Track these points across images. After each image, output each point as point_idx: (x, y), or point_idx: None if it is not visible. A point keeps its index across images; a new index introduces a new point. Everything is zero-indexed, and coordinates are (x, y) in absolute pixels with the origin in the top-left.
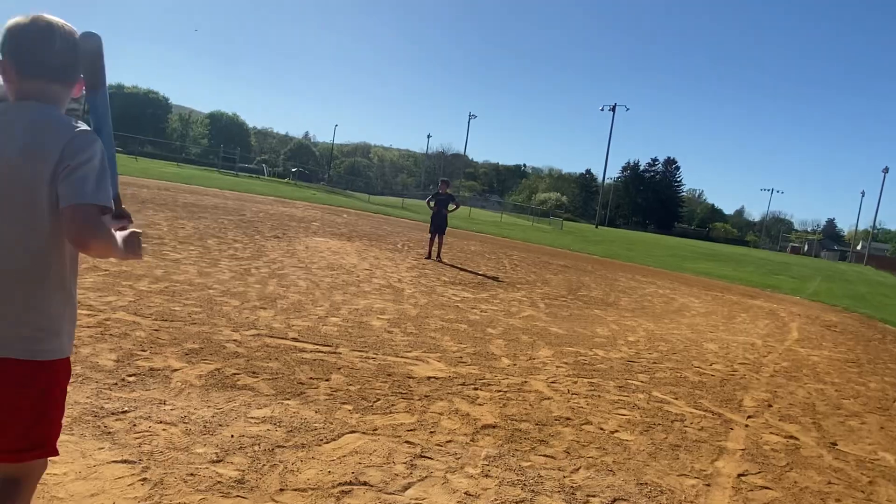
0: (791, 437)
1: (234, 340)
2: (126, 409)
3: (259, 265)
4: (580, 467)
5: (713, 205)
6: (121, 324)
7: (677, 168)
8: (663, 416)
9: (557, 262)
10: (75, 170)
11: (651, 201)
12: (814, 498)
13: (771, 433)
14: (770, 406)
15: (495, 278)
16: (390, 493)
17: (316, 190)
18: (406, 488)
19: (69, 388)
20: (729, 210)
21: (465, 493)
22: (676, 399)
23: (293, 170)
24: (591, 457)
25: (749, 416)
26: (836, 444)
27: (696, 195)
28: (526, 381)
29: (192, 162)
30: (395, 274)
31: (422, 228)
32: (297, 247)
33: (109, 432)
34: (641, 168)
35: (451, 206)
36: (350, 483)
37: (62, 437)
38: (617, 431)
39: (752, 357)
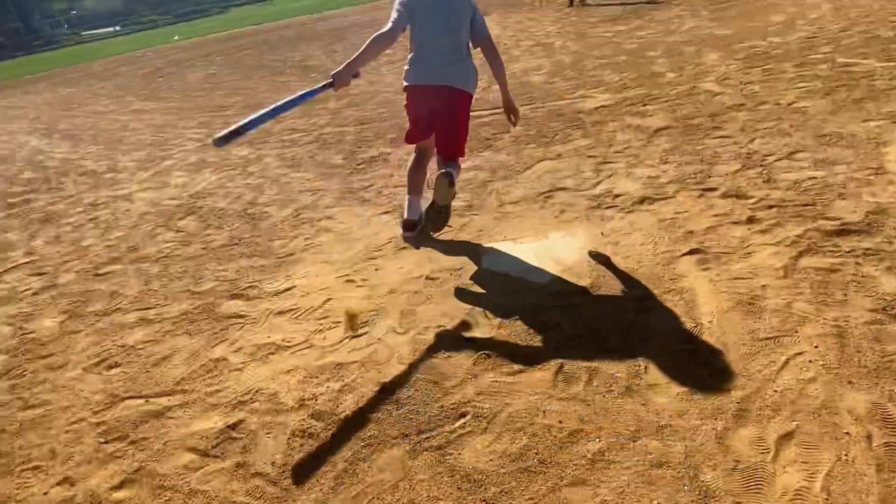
0: None
1: None
2: (369, 184)
3: None
4: (755, 138)
5: None
6: (332, 135)
7: None
8: (848, 77)
9: None
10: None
11: None
12: None
13: None
14: None
15: (650, 1)
16: (584, 190)
17: None
18: (596, 185)
19: (330, 183)
20: None
21: (648, 177)
22: (865, 59)
23: None
24: (767, 128)
25: None
26: None
27: None
28: (694, 87)
29: None
30: (540, 31)
31: None
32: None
33: (366, 199)
34: None
35: None
36: (550, 191)
37: (339, 207)
38: (794, 103)
39: None
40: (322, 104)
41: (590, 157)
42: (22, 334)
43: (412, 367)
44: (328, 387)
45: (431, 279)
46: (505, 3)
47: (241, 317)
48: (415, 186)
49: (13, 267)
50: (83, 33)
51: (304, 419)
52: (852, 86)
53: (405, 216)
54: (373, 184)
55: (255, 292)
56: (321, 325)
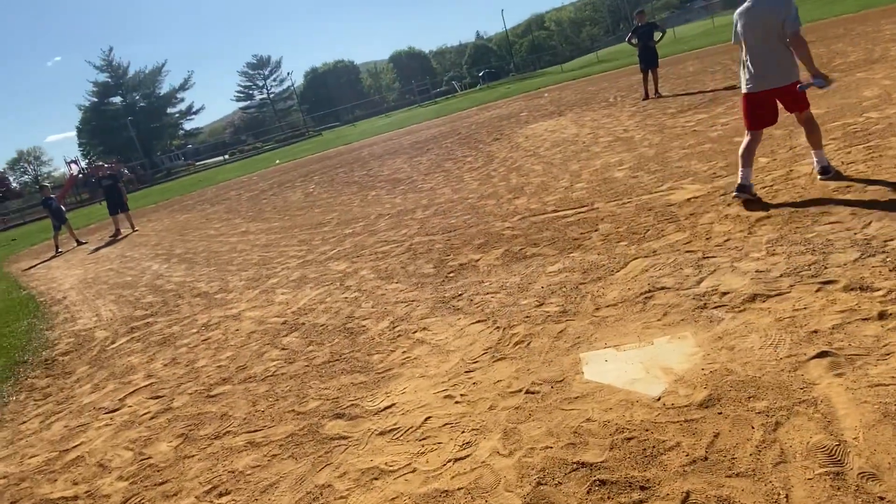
0: None
1: (508, 227)
2: (460, 293)
3: (495, 167)
4: (870, 222)
5: None
6: (421, 244)
7: None
8: None
9: None
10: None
11: None
12: None
13: None
14: None
15: (728, 87)
16: (687, 289)
17: (508, 83)
18: (700, 282)
19: (423, 293)
20: None
21: (756, 271)
22: None
23: (479, 74)
24: (881, 210)
25: None
26: None
27: None
28: (791, 170)
29: (394, 108)
30: (618, 126)
31: (628, 74)
32: (517, 140)
33: (458, 308)
34: None
35: (656, 36)
36: (650, 291)
37: (433, 317)
38: None
39: None
40: (410, 214)
41: (688, 252)
42: (141, 459)
43: (522, 496)
44: None
45: (531, 393)
46: (579, 101)
47: (345, 438)
48: (747, 162)
49: (135, 391)
50: (197, 163)
51: None
52: None
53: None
54: (464, 292)
55: (357, 411)
56: (423, 446)
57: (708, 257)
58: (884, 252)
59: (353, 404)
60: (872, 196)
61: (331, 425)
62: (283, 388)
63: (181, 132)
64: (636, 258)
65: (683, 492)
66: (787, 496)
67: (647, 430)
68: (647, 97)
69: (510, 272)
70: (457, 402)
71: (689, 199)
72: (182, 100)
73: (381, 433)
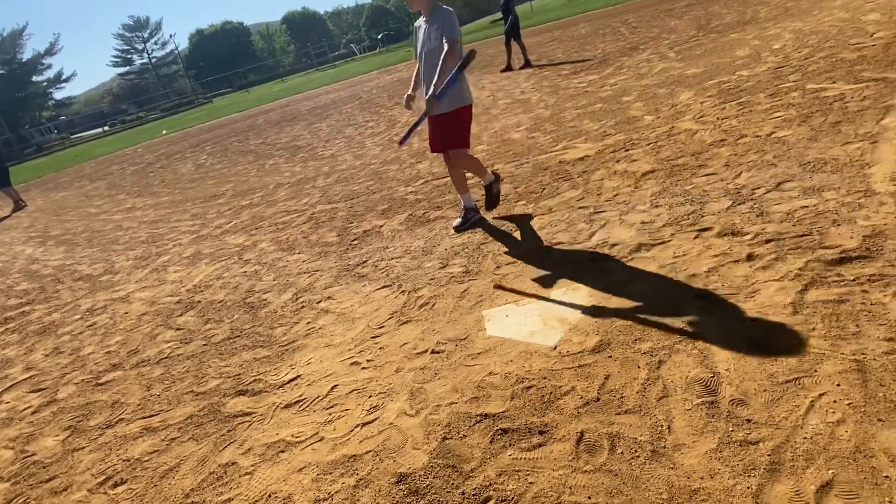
0: None
1: (411, 192)
2: (365, 259)
3: (397, 132)
4: (741, 172)
5: None
6: (323, 213)
7: None
8: (820, 102)
9: (679, 5)
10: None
11: None
12: None
13: None
14: None
15: (616, 50)
16: (580, 243)
17: (409, 46)
18: (591, 236)
19: (326, 262)
20: None
21: (641, 222)
22: (833, 83)
23: (378, 37)
24: (751, 161)
25: None
26: None
27: None
28: (673, 127)
29: (291, 72)
30: (516, 89)
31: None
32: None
33: (363, 275)
34: None
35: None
36: (547, 248)
37: (337, 286)
38: (773, 132)
39: None
40: (311, 182)
41: (581, 208)
42: (24, 458)
43: (428, 453)
44: (343, 483)
45: (437, 353)
46: (479, 64)
47: (248, 414)
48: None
49: (12, 385)
50: (73, 136)
51: None
52: (826, 110)
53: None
54: (368, 259)
55: (261, 386)
56: (330, 415)
57: (599, 212)
58: (752, 199)
59: (256, 380)
60: (743, 148)
61: (233, 403)
62: (180, 370)
63: (51, 102)
64: (533, 217)
65: (578, 432)
66: (669, 427)
67: (544, 378)
68: (508, 69)
69: (414, 236)
70: (363, 368)
71: (581, 158)
72: (49, 66)
73: (287, 406)
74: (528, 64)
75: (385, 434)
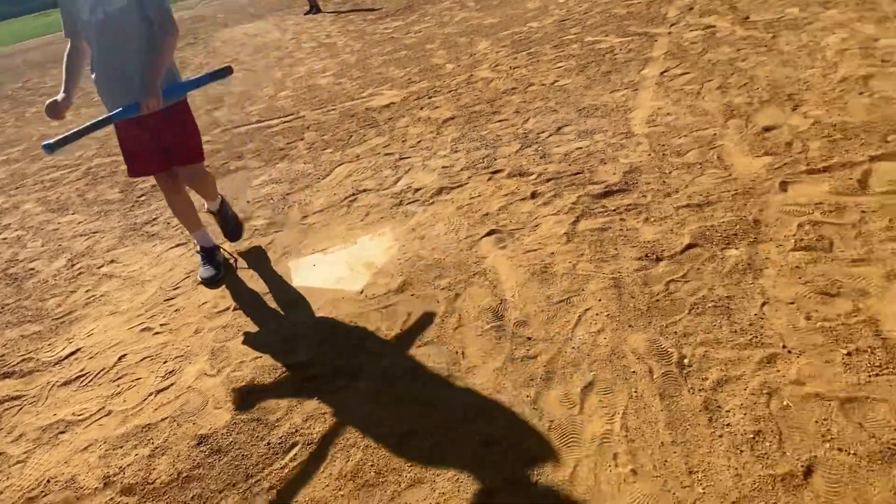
0: (709, 27)
1: (208, 140)
2: (154, 217)
3: (189, 75)
4: (529, 118)
5: None
6: (103, 167)
7: None
8: (595, 54)
9: None
10: None
11: None
12: (724, 67)
13: (691, 30)
14: (692, 8)
15: (370, 9)
16: (386, 189)
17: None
18: (397, 182)
19: (108, 222)
20: None
21: (442, 167)
22: (606, 36)
23: None
24: (537, 108)
25: (672, 25)
26: (749, 18)
27: None
28: (472, 75)
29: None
30: (321, 32)
31: None
32: (214, 45)
33: (153, 234)
34: None
35: None
36: (354, 194)
37: (123, 248)
38: (556, 81)
39: None
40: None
41: (387, 154)
42: None
43: (231, 410)
44: (136, 455)
45: (240, 309)
46: (282, 3)
47: (17, 398)
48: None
49: None
50: None
51: (112, 499)
52: (600, 61)
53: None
54: (159, 216)
55: (32, 365)
56: (118, 387)
57: (404, 158)
58: (537, 143)
59: (25, 359)
60: (532, 96)
61: None
62: None
63: None
64: (341, 164)
65: (383, 367)
66: (463, 353)
67: (351, 322)
68: (311, 11)
69: None
70: (157, 333)
71: (387, 105)
72: None
73: (66, 383)
74: (315, 9)
75: (183, 398)
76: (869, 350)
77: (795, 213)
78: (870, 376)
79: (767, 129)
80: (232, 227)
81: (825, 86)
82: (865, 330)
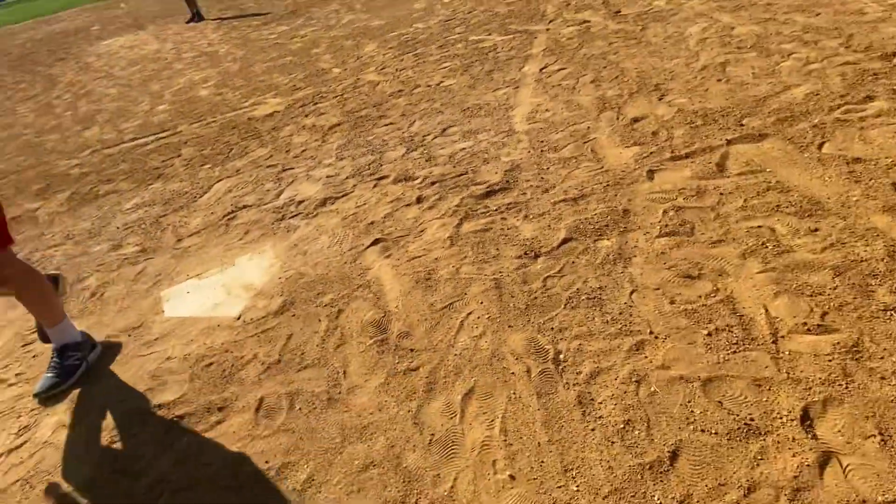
0: (584, 21)
1: (76, 164)
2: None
3: (58, 93)
4: (415, 121)
5: None
6: None
7: None
8: (479, 53)
9: None
10: None
11: None
12: (598, 60)
13: (567, 26)
14: (568, 4)
15: (306, 0)
16: (268, 203)
17: None
18: (279, 195)
19: None
20: None
21: (327, 176)
22: (489, 35)
23: None
24: (423, 109)
25: (550, 21)
26: (620, 12)
27: None
28: (358, 79)
29: None
30: (202, 41)
31: None
32: (87, 60)
33: None
34: None
35: None
36: (233, 211)
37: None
38: (441, 82)
39: None
40: None
41: (269, 166)
42: None
43: (93, 464)
44: None
45: (107, 348)
46: (162, 13)
47: None
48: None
49: None
50: None
51: None
52: (483, 60)
53: None
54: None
55: None
56: None
57: (287, 169)
58: (423, 146)
59: None
60: (417, 98)
61: None
62: None
63: None
64: (220, 180)
65: (257, 399)
66: (344, 372)
67: (227, 352)
68: (193, 20)
69: (78, 217)
70: (11, 385)
71: (271, 114)
72: None
73: None
74: (197, 17)
75: (38, 455)
76: (727, 328)
77: (661, 200)
78: (728, 354)
79: (636, 119)
80: (62, 371)
81: (688, 74)
82: (723, 309)
